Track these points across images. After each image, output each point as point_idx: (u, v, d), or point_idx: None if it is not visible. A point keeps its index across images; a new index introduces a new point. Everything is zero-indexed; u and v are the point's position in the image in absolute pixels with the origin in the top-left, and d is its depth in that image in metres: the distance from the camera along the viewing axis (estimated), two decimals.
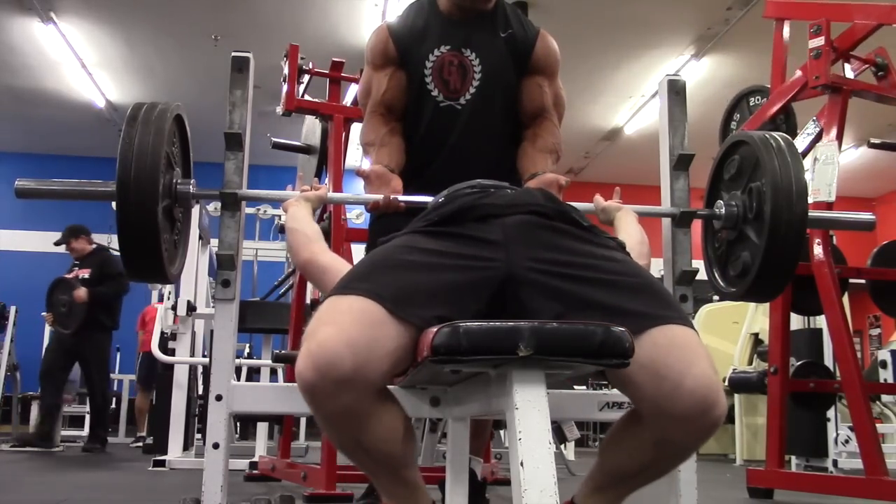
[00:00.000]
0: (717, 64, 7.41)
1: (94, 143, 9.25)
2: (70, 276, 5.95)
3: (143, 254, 1.57)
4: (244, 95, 1.76)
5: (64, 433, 7.00)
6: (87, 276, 5.87)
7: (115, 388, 8.41)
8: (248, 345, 7.09)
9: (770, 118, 3.35)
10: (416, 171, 2.02)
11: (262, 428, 4.80)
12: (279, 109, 3.41)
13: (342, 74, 3.54)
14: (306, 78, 3.46)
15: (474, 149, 2.03)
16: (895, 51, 3.51)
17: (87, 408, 6.63)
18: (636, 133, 9.04)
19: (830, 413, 4.49)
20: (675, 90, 1.88)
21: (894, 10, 3.06)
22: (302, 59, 3.40)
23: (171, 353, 4.88)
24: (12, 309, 6.92)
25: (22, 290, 7.59)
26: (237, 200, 1.72)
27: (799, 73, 3.26)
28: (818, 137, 3.20)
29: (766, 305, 4.11)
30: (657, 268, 1.66)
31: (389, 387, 1.30)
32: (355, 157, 6.76)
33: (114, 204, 1.53)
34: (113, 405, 8.16)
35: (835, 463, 4.43)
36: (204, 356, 5.34)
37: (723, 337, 6.54)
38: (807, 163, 3.03)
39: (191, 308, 4.64)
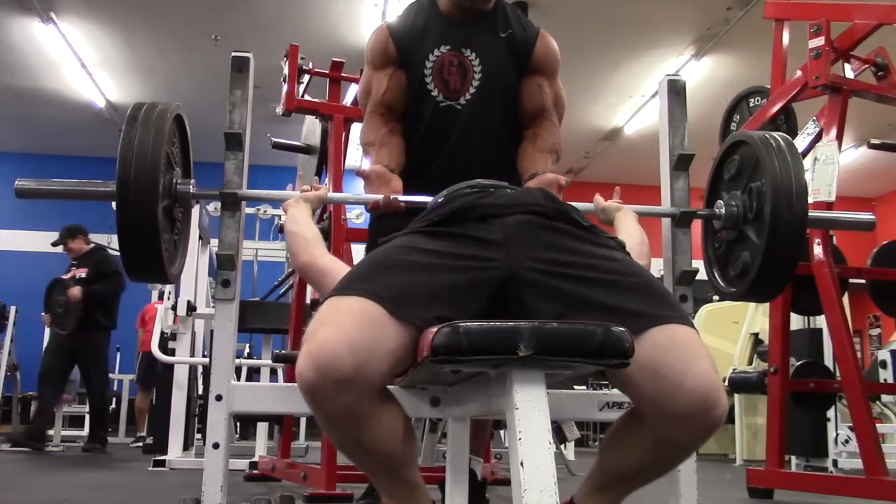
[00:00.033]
0: (717, 64, 7.41)
1: (94, 143, 9.25)
2: (67, 276, 5.95)
3: (143, 254, 1.57)
4: (244, 95, 1.76)
5: (64, 433, 7.00)
6: (83, 275, 5.86)
7: (114, 388, 8.41)
8: (248, 345, 7.09)
9: (770, 118, 3.35)
10: (416, 171, 2.02)
11: (262, 428, 4.80)
12: (279, 109, 3.41)
13: (342, 74, 3.54)
14: (306, 78, 3.46)
15: (474, 149, 2.03)
16: (895, 51, 3.51)
17: (87, 408, 6.62)
18: (636, 133, 9.04)
19: (830, 413, 4.49)
20: (675, 90, 1.88)
21: (894, 9, 3.06)
22: (302, 59, 3.40)
23: (171, 353, 4.88)
24: (12, 309, 6.92)
25: (22, 290, 7.58)
26: (237, 200, 1.72)
27: (799, 73, 3.26)
28: (818, 137, 3.20)
29: (766, 305, 4.11)
30: (657, 268, 1.66)
31: (389, 387, 1.30)
32: (355, 157, 6.76)
33: (114, 204, 1.53)
34: (113, 405, 8.16)
35: (835, 463, 4.43)
36: (204, 356, 5.34)
37: (723, 337, 6.54)
38: (807, 163, 3.03)
39: (191, 308, 4.64)
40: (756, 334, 6.04)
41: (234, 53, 1.79)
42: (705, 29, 6.90)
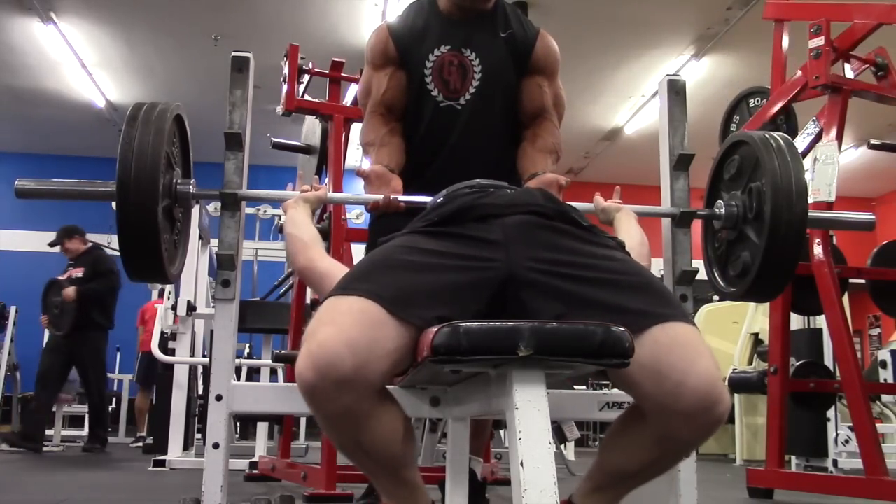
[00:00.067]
0: (717, 64, 7.41)
1: (94, 143, 9.25)
2: (63, 276, 5.94)
3: (143, 254, 1.57)
4: (244, 95, 1.76)
5: (64, 433, 7.01)
6: (80, 275, 5.84)
7: (114, 387, 8.41)
8: (248, 345, 7.09)
9: (770, 118, 3.35)
10: (416, 171, 2.01)
11: (262, 428, 4.80)
12: (279, 109, 3.41)
13: (342, 74, 3.54)
14: (306, 78, 3.46)
15: (474, 149, 2.03)
16: (895, 51, 3.51)
17: (87, 408, 6.61)
18: (636, 133, 9.04)
19: (830, 413, 4.49)
20: (675, 90, 1.88)
21: (894, 9, 3.06)
22: (302, 59, 3.40)
23: (171, 353, 4.88)
24: (12, 309, 6.92)
25: (22, 290, 7.58)
26: (237, 200, 1.72)
27: (799, 73, 3.26)
28: (818, 137, 3.20)
29: (766, 305, 4.11)
30: (657, 268, 1.66)
31: (389, 387, 1.30)
32: (355, 157, 6.76)
33: (114, 204, 1.53)
34: (113, 405, 8.16)
35: (835, 463, 4.43)
36: (204, 356, 5.33)
37: (723, 337, 6.53)
38: (807, 163, 3.03)
39: (191, 308, 4.64)
40: (756, 334, 6.04)
41: (234, 53, 1.79)
42: (705, 29, 6.90)
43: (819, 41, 3.14)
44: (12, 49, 7.46)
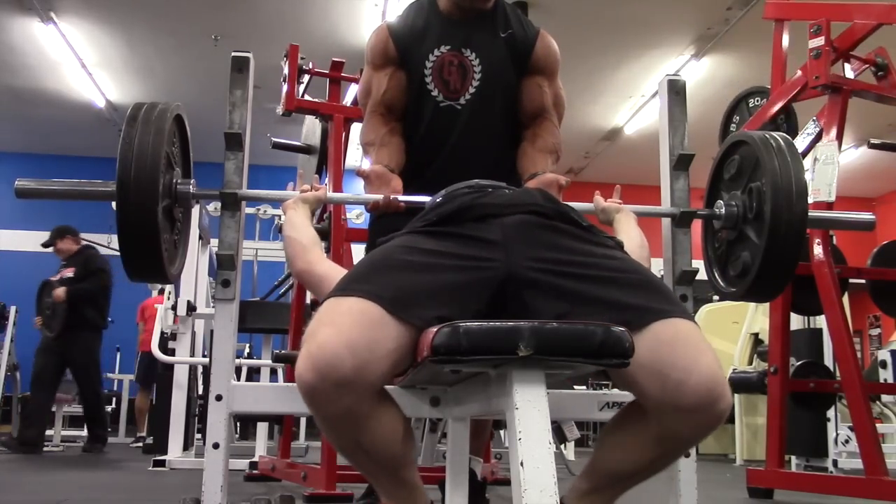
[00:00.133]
0: (717, 64, 7.41)
1: (94, 143, 9.25)
2: (56, 277, 5.92)
3: (143, 254, 1.56)
4: (244, 95, 1.76)
5: (64, 433, 7.01)
6: (71, 275, 5.81)
7: (114, 387, 8.40)
8: (248, 345, 7.09)
9: (770, 118, 3.35)
10: (416, 171, 2.01)
11: (262, 428, 4.80)
12: (279, 109, 3.41)
13: (342, 74, 3.54)
14: (306, 78, 3.46)
15: (474, 149, 2.03)
16: (895, 51, 3.51)
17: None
18: (636, 133, 9.04)
19: (830, 413, 4.49)
20: (675, 90, 1.88)
21: (894, 9, 3.06)
22: (302, 59, 3.40)
23: (171, 353, 4.88)
24: (12, 309, 6.90)
25: (22, 290, 7.56)
26: (237, 200, 1.72)
27: (799, 73, 3.26)
28: (818, 137, 3.20)
29: (766, 305, 4.11)
30: (657, 268, 1.66)
31: (389, 387, 1.30)
32: (355, 157, 6.76)
33: (114, 204, 1.53)
34: (113, 405, 8.16)
35: (835, 463, 4.44)
36: (204, 356, 5.33)
37: (723, 337, 6.53)
38: (807, 163, 3.03)
39: (191, 308, 4.64)
40: (756, 334, 6.04)
41: (234, 53, 1.78)
42: (705, 29, 6.90)
43: (819, 41, 3.14)
44: (12, 49, 7.46)
